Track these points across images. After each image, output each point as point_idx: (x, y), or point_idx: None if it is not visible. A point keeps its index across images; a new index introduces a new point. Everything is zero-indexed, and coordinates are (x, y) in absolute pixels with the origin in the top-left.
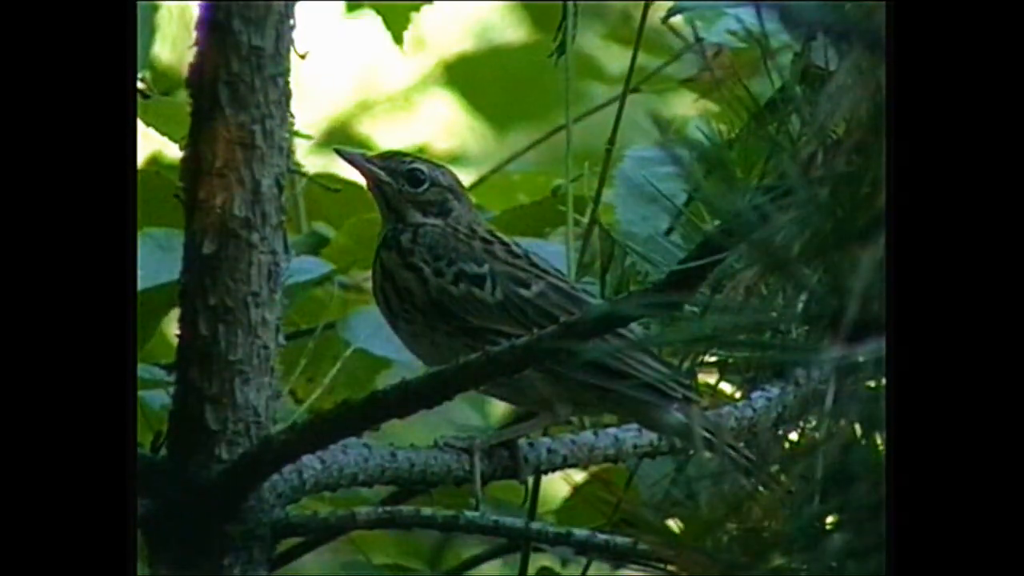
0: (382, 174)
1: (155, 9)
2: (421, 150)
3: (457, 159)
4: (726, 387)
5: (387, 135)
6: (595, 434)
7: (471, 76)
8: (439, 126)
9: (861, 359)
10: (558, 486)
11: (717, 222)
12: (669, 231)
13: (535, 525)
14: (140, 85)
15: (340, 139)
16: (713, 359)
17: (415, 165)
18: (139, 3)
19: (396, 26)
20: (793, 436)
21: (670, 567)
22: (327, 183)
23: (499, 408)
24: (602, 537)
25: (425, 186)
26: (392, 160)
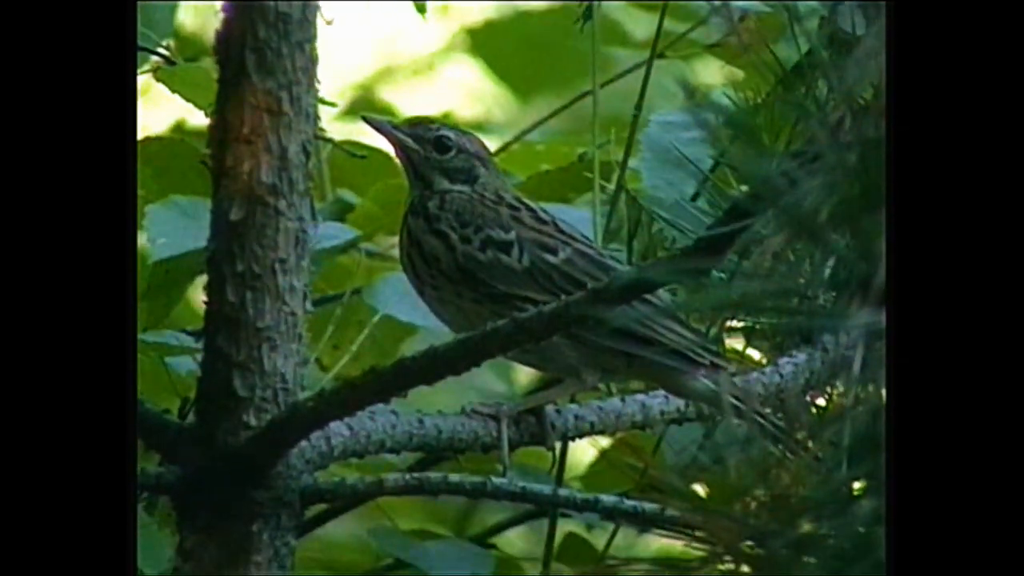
0: (409, 141)
1: None
2: (445, 117)
3: (481, 126)
4: (754, 354)
5: (410, 102)
6: (622, 400)
7: (495, 42)
8: (463, 93)
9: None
10: (585, 452)
11: (744, 187)
12: (696, 196)
13: (562, 491)
14: (164, 52)
15: (364, 106)
16: (741, 325)
17: (442, 132)
18: None
19: None
20: (821, 402)
21: (698, 532)
22: (353, 150)
23: (526, 375)
24: (629, 503)
25: (452, 153)
26: (419, 127)
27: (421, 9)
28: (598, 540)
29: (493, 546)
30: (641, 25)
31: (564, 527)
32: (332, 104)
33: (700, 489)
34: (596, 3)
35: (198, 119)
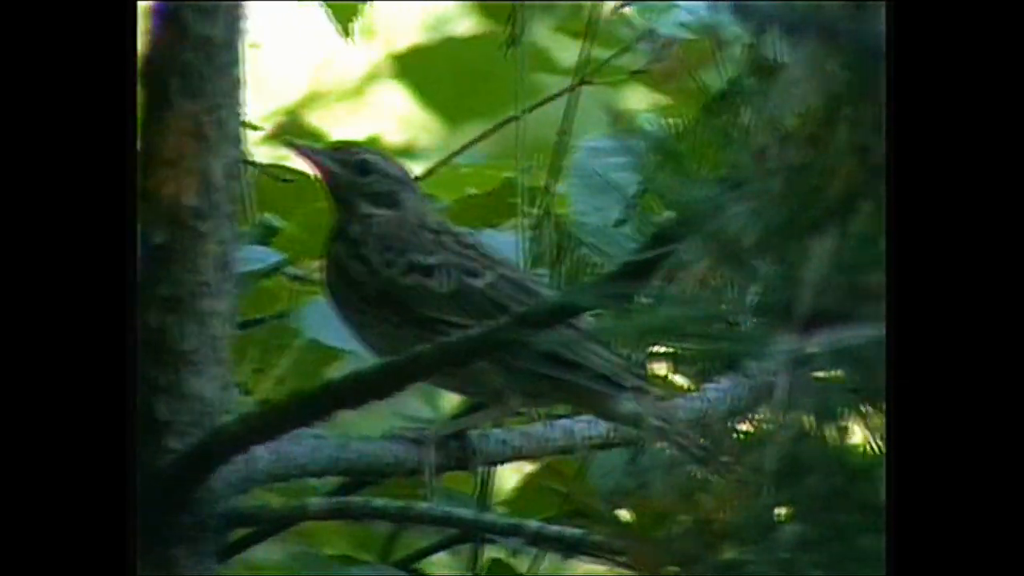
0: (332, 165)
1: None
2: (373, 142)
3: (409, 151)
4: (680, 379)
5: (339, 127)
6: (547, 425)
7: (423, 68)
8: (391, 118)
9: (813, 350)
10: (510, 478)
11: (670, 213)
12: (621, 222)
13: (486, 516)
14: None
15: (292, 130)
16: (666, 351)
17: (364, 156)
18: None
19: (344, 18)
20: (746, 427)
21: (621, 558)
22: (279, 174)
23: (451, 401)
24: (553, 528)
25: (375, 176)
26: (341, 151)
27: (347, 33)
28: (523, 566)
29: (418, 571)
30: (568, 52)
31: (489, 553)
32: (258, 128)
33: (625, 514)
34: (521, 29)
35: None
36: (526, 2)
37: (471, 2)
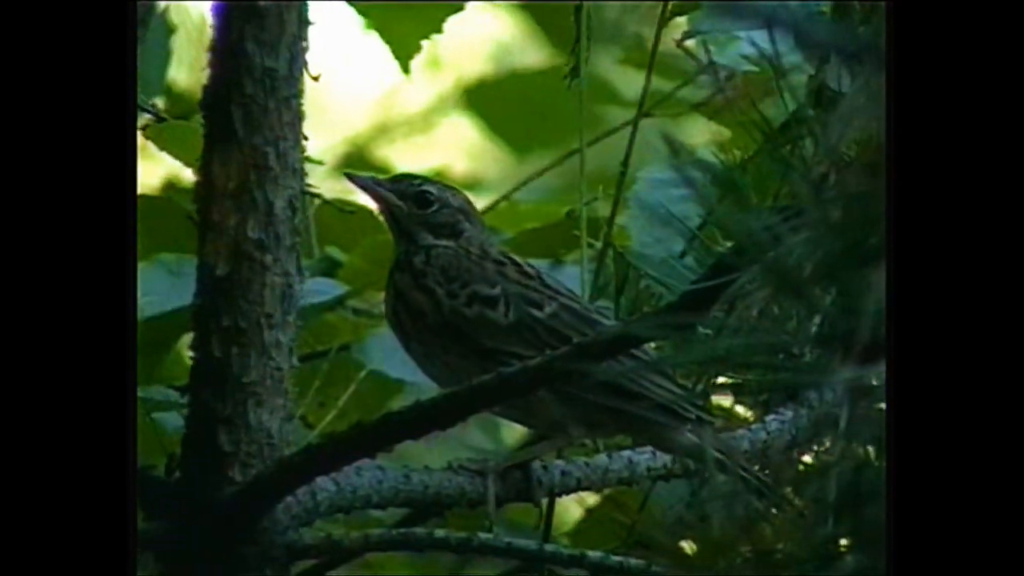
0: (392, 196)
1: (171, 32)
2: (438, 174)
3: (475, 183)
4: (742, 410)
5: (405, 158)
6: (609, 456)
7: (490, 100)
8: (457, 150)
9: (874, 381)
10: (572, 509)
11: (730, 244)
12: (683, 254)
13: (548, 547)
14: (154, 109)
15: (357, 163)
16: (728, 382)
17: (424, 187)
18: (154, 26)
19: (403, 53)
20: (806, 458)
21: None
22: (341, 206)
23: (513, 432)
24: (615, 559)
25: (435, 207)
26: (402, 183)
27: (406, 69)
28: None
29: None
30: (632, 84)
31: None
32: (319, 162)
33: (686, 546)
34: (584, 58)
35: (188, 177)
36: (589, 34)
37: (534, 30)
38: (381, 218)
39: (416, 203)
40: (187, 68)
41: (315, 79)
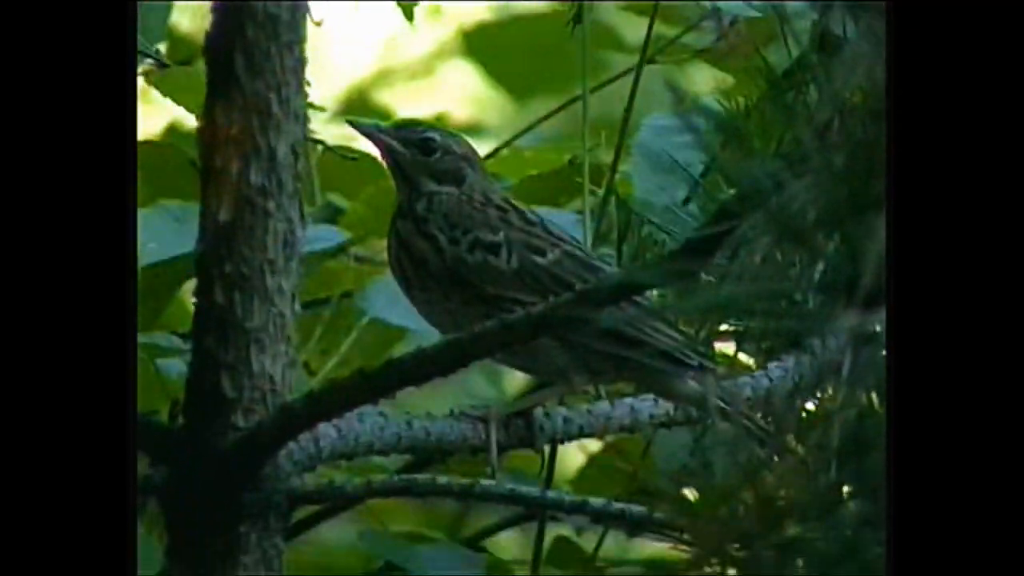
0: (395, 143)
1: None
2: (439, 119)
3: (477, 129)
4: (746, 359)
5: (407, 105)
6: (611, 404)
7: (491, 46)
8: (459, 96)
9: (877, 327)
10: (574, 456)
11: (733, 191)
12: (686, 201)
13: (550, 494)
14: (157, 55)
15: (359, 109)
16: (731, 329)
17: (428, 134)
18: None
19: (406, 3)
20: (809, 406)
21: (684, 536)
22: (343, 153)
23: (515, 379)
24: (617, 506)
25: (438, 154)
26: (405, 129)
27: (409, 15)
28: (588, 544)
29: (484, 549)
30: (635, 30)
31: (554, 531)
32: (321, 108)
33: (690, 493)
34: (587, 3)
35: (191, 123)
36: None
37: None
38: (384, 165)
39: (419, 150)
40: (189, 14)
41: (317, 24)
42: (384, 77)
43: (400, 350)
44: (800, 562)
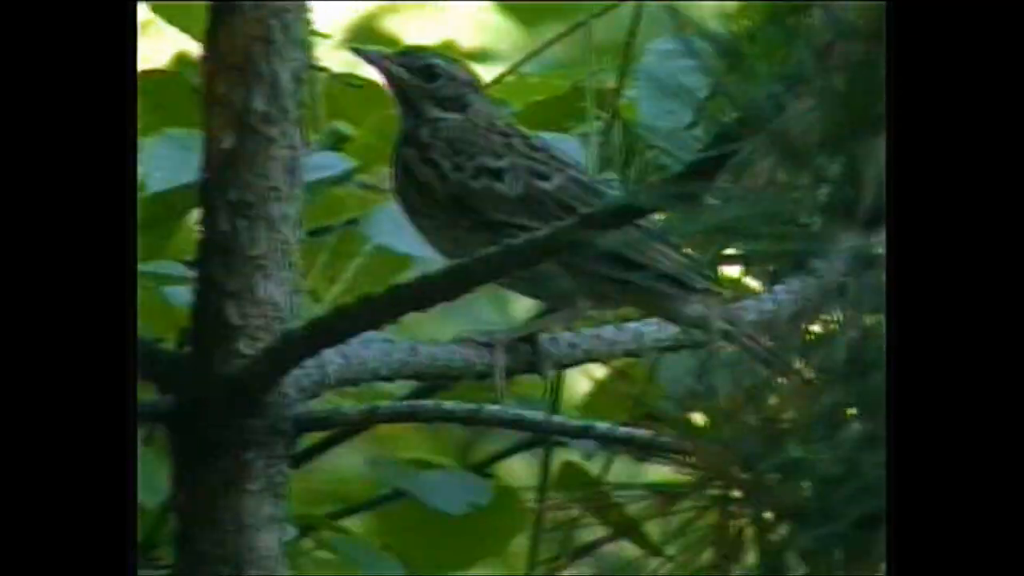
0: (399, 71)
1: None
2: (447, 47)
3: (484, 56)
4: (752, 283)
5: (414, 32)
6: (617, 328)
7: None
8: (465, 22)
9: (879, 249)
10: (580, 382)
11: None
12: (691, 125)
13: (556, 418)
14: None
15: (366, 37)
16: (736, 253)
17: (431, 60)
18: None
19: None
20: (813, 328)
21: (689, 459)
22: (348, 80)
23: (521, 306)
24: (623, 430)
25: (442, 81)
26: (408, 56)
27: None
28: (595, 469)
29: (492, 475)
30: None
31: (562, 456)
32: (326, 36)
33: (695, 417)
34: None
35: (198, 50)
36: None
37: None
38: (389, 92)
39: (423, 77)
40: None
41: None
42: (390, 5)
43: (405, 277)
44: (803, 483)
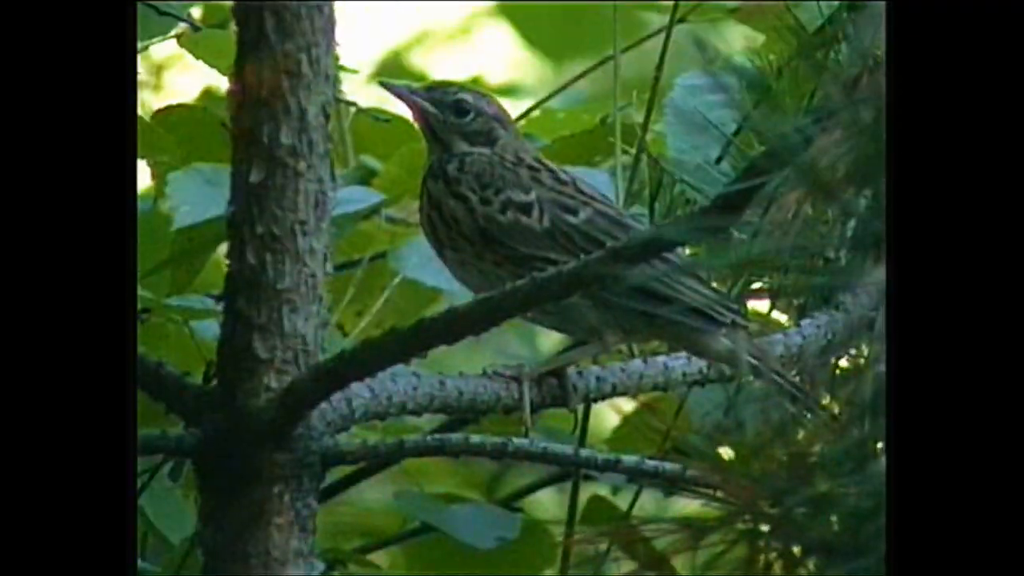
0: (427, 105)
1: None
2: (476, 82)
3: (512, 90)
4: (779, 317)
5: (443, 67)
6: (644, 362)
7: (527, 7)
8: (495, 58)
9: None
10: (608, 416)
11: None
12: (719, 160)
13: (584, 452)
14: (190, 19)
15: (395, 72)
16: (763, 287)
17: (460, 95)
18: None
19: None
20: (842, 362)
21: (718, 493)
22: (376, 114)
23: (549, 339)
24: (651, 464)
25: (471, 116)
26: (437, 91)
27: None
28: (623, 503)
29: (520, 509)
30: None
31: (590, 490)
32: (354, 71)
33: (724, 452)
34: None
35: (226, 85)
36: None
37: None
38: (416, 126)
39: (451, 111)
40: None
41: None
42: (419, 39)
43: (433, 311)
44: (832, 517)
